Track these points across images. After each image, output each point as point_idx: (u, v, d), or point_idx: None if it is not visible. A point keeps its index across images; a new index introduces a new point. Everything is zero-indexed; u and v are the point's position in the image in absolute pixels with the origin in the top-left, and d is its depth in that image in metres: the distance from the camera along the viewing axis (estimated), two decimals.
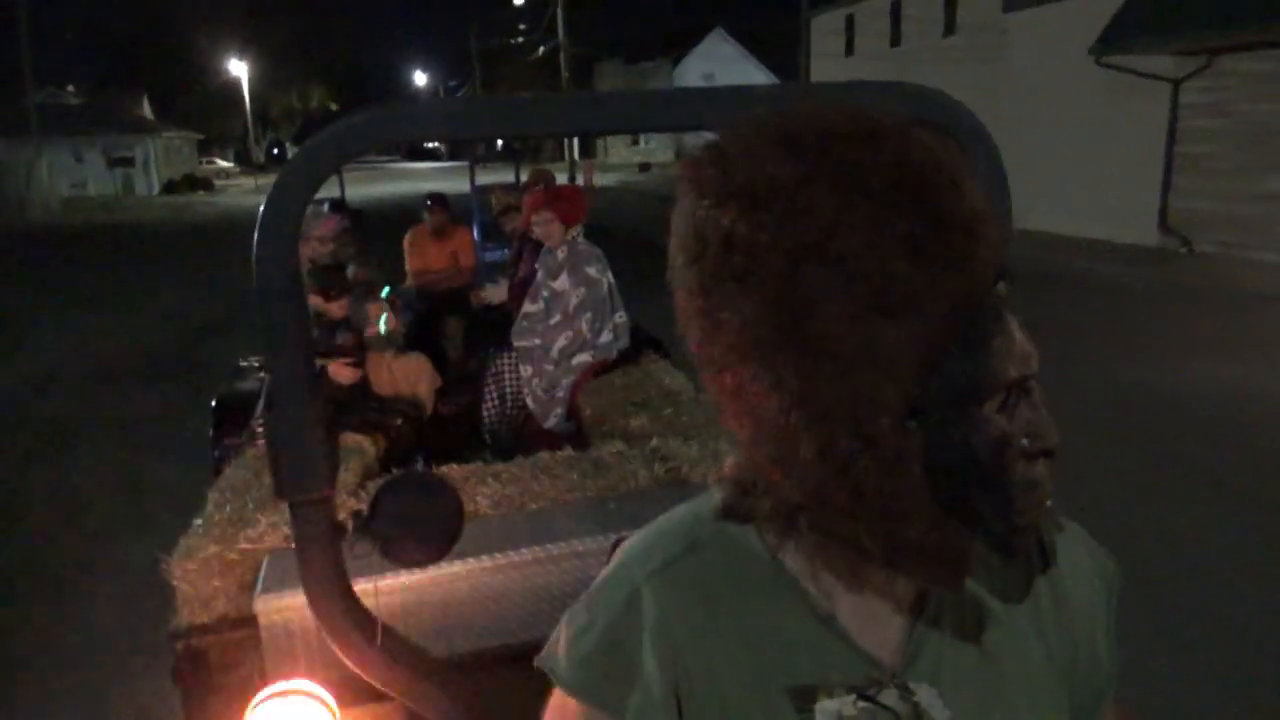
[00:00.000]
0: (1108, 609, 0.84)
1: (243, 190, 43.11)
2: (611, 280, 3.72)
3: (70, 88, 48.17)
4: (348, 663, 1.30)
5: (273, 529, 2.11)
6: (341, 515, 1.28)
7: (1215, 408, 6.55)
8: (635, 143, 53.83)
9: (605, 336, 3.64)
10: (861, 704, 0.72)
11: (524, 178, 7.10)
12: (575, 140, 35.87)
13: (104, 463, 6.25)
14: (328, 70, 67.78)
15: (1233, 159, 12.67)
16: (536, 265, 3.94)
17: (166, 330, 10.95)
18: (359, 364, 3.63)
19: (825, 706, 0.72)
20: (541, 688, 0.79)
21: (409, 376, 4.04)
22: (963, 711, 0.74)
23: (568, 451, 2.63)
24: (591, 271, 3.66)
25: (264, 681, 1.81)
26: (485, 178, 8.51)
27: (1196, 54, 12.88)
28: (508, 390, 3.79)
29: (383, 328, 3.81)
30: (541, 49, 41.64)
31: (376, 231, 5.74)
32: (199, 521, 2.20)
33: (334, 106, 68.01)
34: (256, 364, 4.02)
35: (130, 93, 47.96)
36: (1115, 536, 0.86)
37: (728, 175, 0.65)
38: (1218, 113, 12.91)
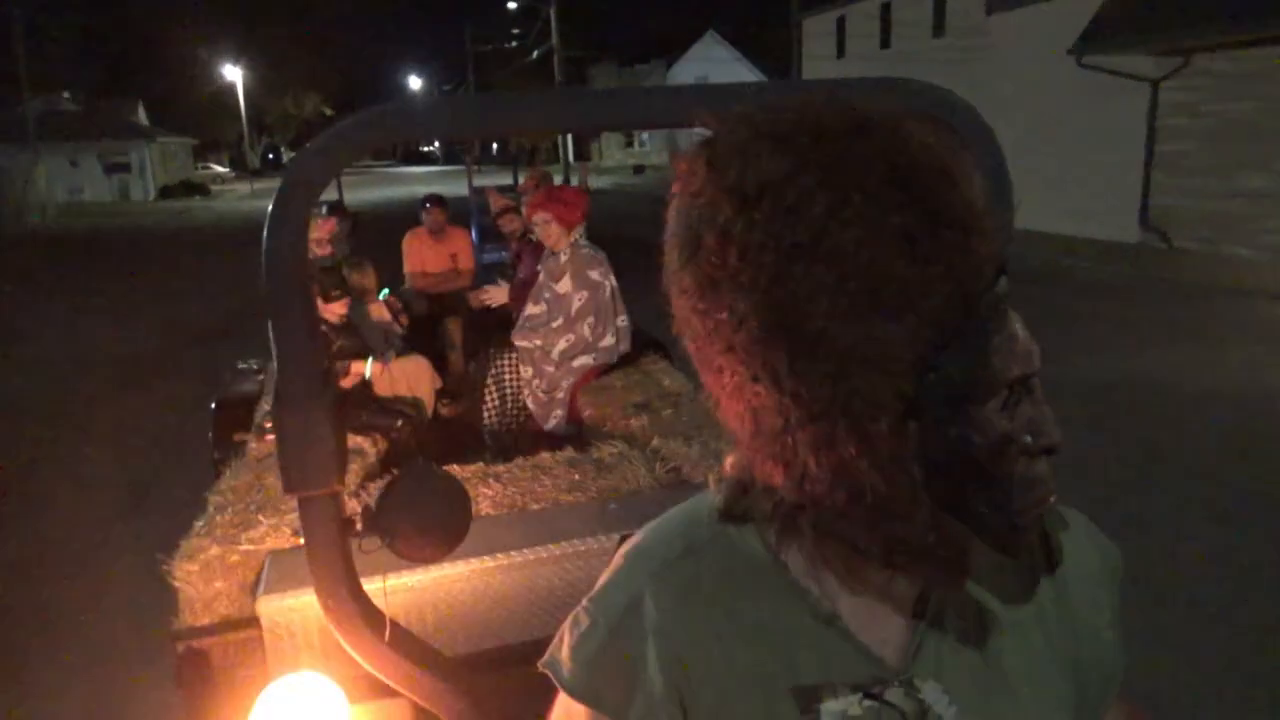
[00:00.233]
0: (1112, 601, 0.83)
1: (238, 195, 43.15)
2: (614, 284, 3.71)
3: (66, 94, 47.99)
4: (356, 657, 1.30)
5: (274, 530, 2.11)
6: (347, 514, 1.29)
7: (1183, 393, 6.87)
8: (630, 145, 53.86)
9: (607, 340, 3.64)
10: (867, 703, 0.72)
11: (522, 179, 7.12)
12: (570, 143, 35.90)
13: (110, 452, 6.51)
14: (323, 76, 67.72)
15: (1209, 157, 12.90)
16: (539, 267, 3.94)
17: (164, 333, 10.97)
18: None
19: (830, 707, 0.71)
20: (546, 686, 0.79)
21: (409, 378, 4.05)
22: (968, 708, 0.73)
23: (568, 452, 2.63)
24: (594, 275, 3.65)
25: (266, 682, 1.81)
26: (482, 180, 8.52)
27: (1174, 54, 13.07)
28: (508, 392, 3.79)
29: (367, 372, 3.83)
30: (535, 53, 41.64)
31: (374, 234, 5.76)
32: (200, 523, 2.20)
33: (329, 112, 67.93)
34: (255, 366, 4.03)
35: (126, 99, 47.94)
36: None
37: (719, 173, 0.64)
38: (1195, 112, 13.13)
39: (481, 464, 2.59)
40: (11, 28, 30.70)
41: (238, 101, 52.99)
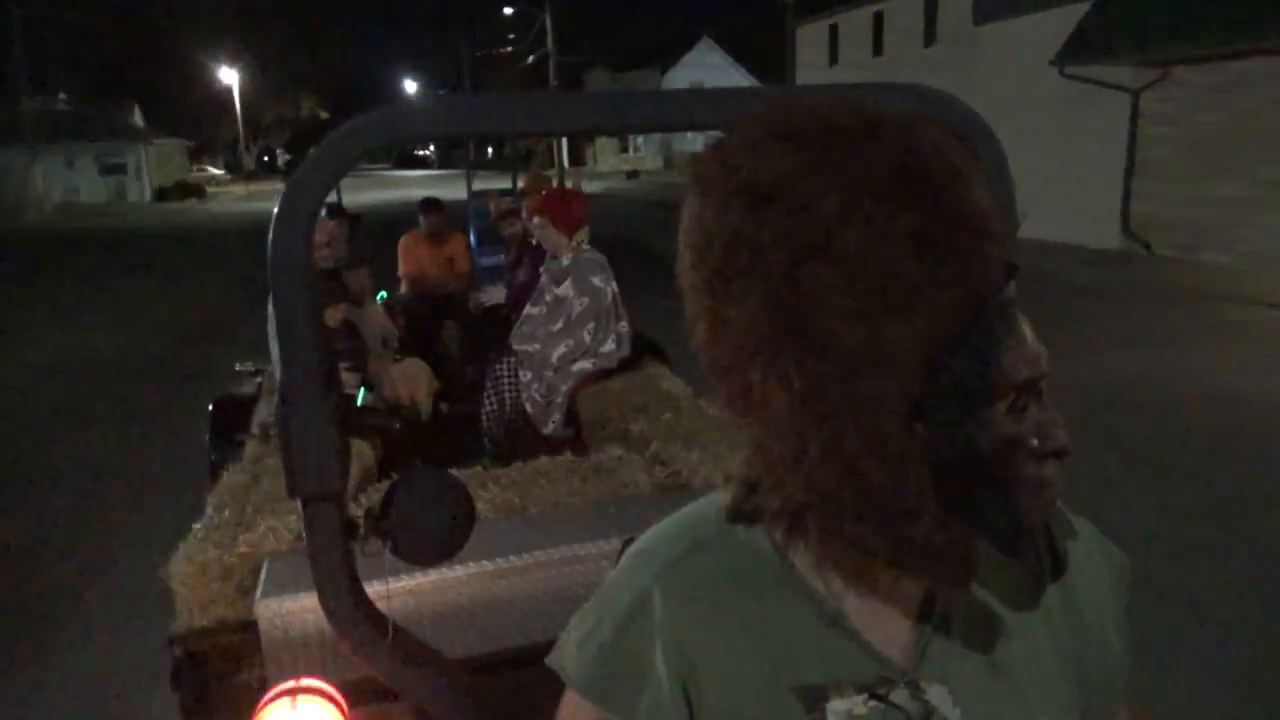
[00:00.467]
0: (1119, 608, 0.83)
1: (233, 197, 43.23)
2: (615, 289, 3.71)
3: (63, 96, 48.03)
4: (357, 661, 1.30)
5: (272, 532, 2.10)
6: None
7: (1163, 394, 7.13)
8: (624, 150, 53.88)
9: (608, 345, 3.63)
10: (872, 703, 0.72)
11: (520, 183, 7.13)
12: (565, 148, 35.90)
13: (114, 442, 6.73)
14: (319, 78, 67.66)
15: (1187, 166, 13.29)
16: (541, 270, 3.94)
17: (161, 334, 11.05)
18: (358, 368, 3.63)
19: (835, 706, 0.72)
20: (547, 688, 0.79)
21: (407, 381, 4.04)
22: (973, 710, 0.74)
23: (567, 456, 2.62)
24: (596, 281, 3.64)
25: (264, 686, 1.80)
26: (478, 184, 8.55)
27: (1153, 66, 13.49)
28: (507, 395, 3.78)
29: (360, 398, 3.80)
30: (531, 57, 41.67)
31: (370, 237, 5.79)
32: (198, 525, 2.19)
33: (324, 115, 67.92)
34: (253, 368, 4.02)
35: (122, 100, 47.87)
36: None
37: (731, 173, 0.65)
38: (1173, 122, 13.53)
39: (480, 467, 2.58)
40: (9, 29, 30.67)
41: (234, 104, 52.95)
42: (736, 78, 49.90)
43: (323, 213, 5.22)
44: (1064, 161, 15.00)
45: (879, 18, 22.75)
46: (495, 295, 4.68)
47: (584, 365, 3.60)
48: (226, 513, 2.23)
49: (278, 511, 2.18)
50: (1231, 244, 12.56)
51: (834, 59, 25.33)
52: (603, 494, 2.35)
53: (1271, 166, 11.99)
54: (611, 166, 52.67)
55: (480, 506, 2.28)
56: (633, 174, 45.15)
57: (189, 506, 2.34)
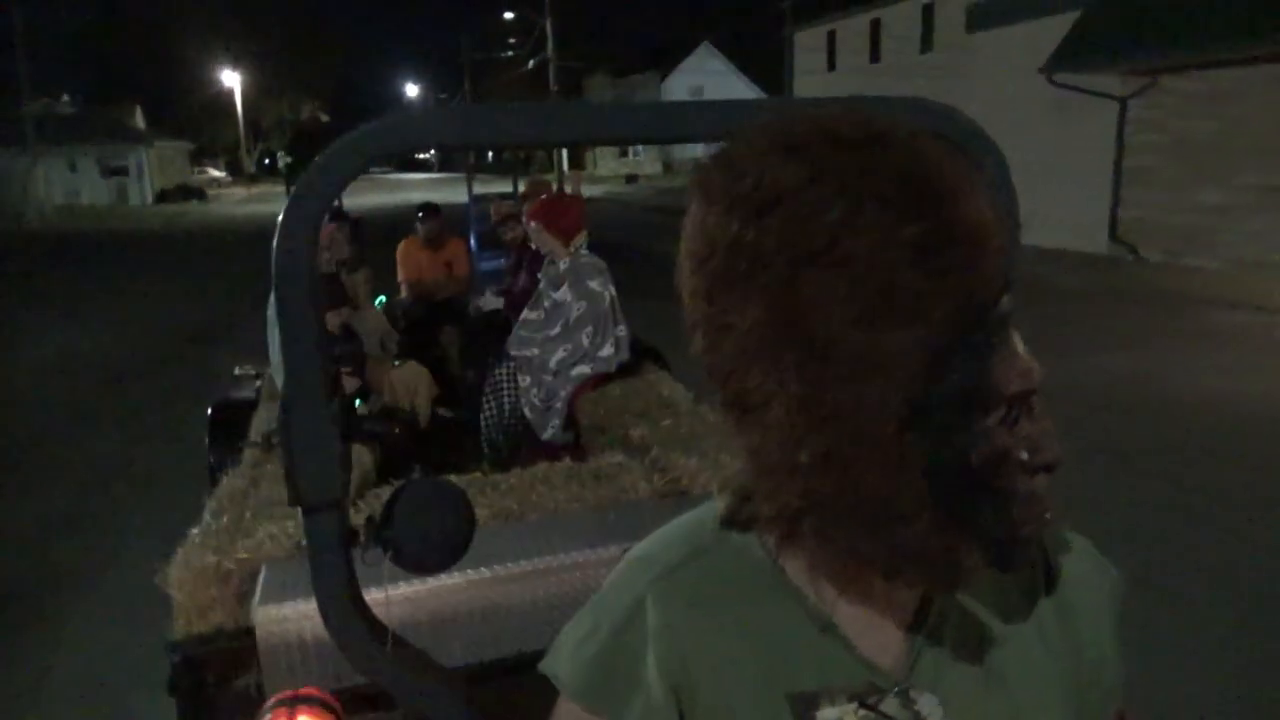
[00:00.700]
0: (1112, 620, 0.83)
1: (235, 200, 43.35)
2: (613, 293, 3.71)
3: (65, 98, 48.11)
4: (357, 670, 1.29)
5: (270, 538, 2.10)
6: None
7: (1149, 396, 7.27)
8: (624, 155, 53.93)
9: (606, 350, 3.63)
10: (863, 712, 0.72)
11: (522, 187, 7.14)
12: (565, 152, 35.93)
13: (115, 442, 6.80)
14: (319, 81, 67.77)
15: (1174, 172, 13.50)
16: (539, 275, 3.94)
17: (162, 335, 11.10)
18: (358, 373, 3.63)
19: (826, 714, 0.72)
20: (546, 695, 0.79)
21: (407, 386, 4.04)
22: None
23: (566, 462, 2.61)
24: (594, 285, 3.64)
25: (261, 692, 1.80)
26: (479, 188, 8.58)
27: (1141, 74, 13.72)
28: (506, 400, 3.78)
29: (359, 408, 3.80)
30: (531, 62, 41.74)
31: (370, 241, 5.80)
32: (196, 531, 2.18)
33: (325, 118, 68.00)
34: (253, 372, 4.01)
35: (124, 103, 47.97)
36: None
37: (735, 181, 0.65)
38: (1161, 129, 13.75)
39: (479, 473, 2.58)
40: (10, 31, 30.71)
41: (235, 106, 53.04)
42: (736, 83, 50.02)
43: (324, 216, 5.25)
44: (1053, 167, 15.17)
45: (876, 25, 22.89)
46: (493, 304, 4.67)
47: (582, 370, 3.60)
48: (225, 518, 2.22)
49: (276, 517, 2.17)
50: (1217, 249, 12.76)
51: (832, 65, 25.44)
52: (602, 500, 2.34)
53: (1257, 172, 12.18)
54: (611, 171, 52.75)
55: (479, 512, 2.27)
56: (632, 178, 45.28)
57: (190, 507, 2.33)
